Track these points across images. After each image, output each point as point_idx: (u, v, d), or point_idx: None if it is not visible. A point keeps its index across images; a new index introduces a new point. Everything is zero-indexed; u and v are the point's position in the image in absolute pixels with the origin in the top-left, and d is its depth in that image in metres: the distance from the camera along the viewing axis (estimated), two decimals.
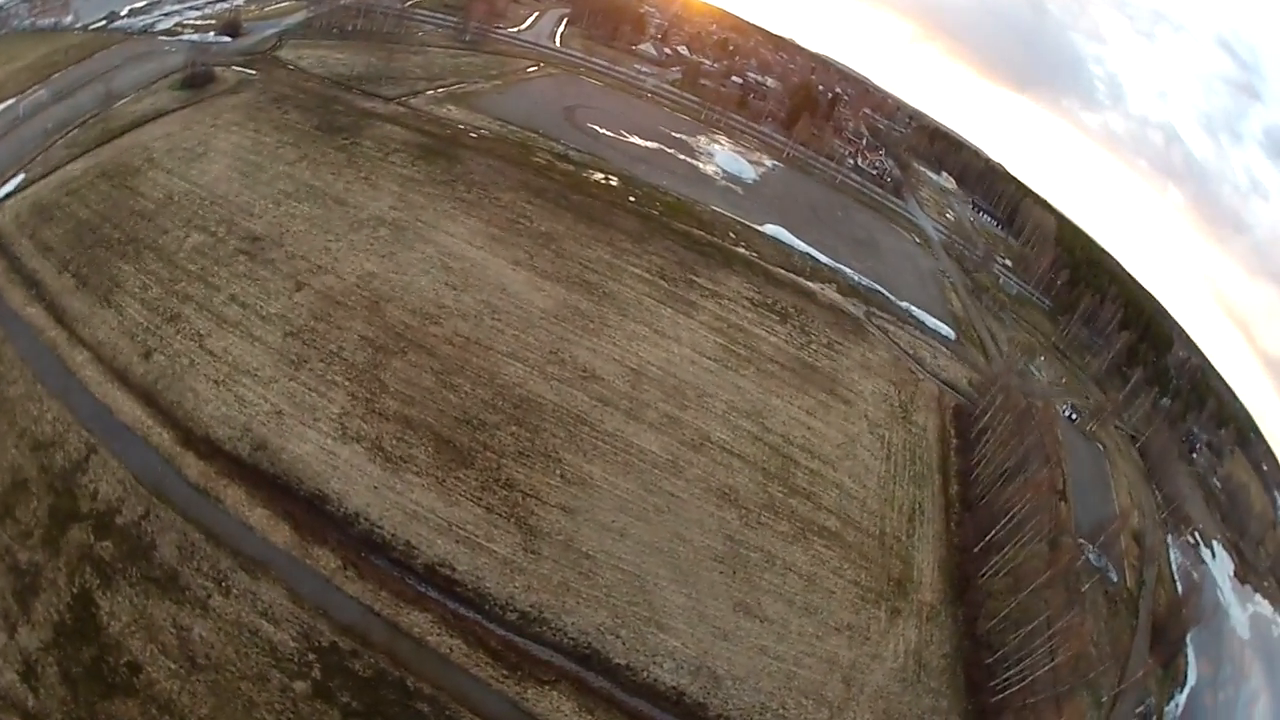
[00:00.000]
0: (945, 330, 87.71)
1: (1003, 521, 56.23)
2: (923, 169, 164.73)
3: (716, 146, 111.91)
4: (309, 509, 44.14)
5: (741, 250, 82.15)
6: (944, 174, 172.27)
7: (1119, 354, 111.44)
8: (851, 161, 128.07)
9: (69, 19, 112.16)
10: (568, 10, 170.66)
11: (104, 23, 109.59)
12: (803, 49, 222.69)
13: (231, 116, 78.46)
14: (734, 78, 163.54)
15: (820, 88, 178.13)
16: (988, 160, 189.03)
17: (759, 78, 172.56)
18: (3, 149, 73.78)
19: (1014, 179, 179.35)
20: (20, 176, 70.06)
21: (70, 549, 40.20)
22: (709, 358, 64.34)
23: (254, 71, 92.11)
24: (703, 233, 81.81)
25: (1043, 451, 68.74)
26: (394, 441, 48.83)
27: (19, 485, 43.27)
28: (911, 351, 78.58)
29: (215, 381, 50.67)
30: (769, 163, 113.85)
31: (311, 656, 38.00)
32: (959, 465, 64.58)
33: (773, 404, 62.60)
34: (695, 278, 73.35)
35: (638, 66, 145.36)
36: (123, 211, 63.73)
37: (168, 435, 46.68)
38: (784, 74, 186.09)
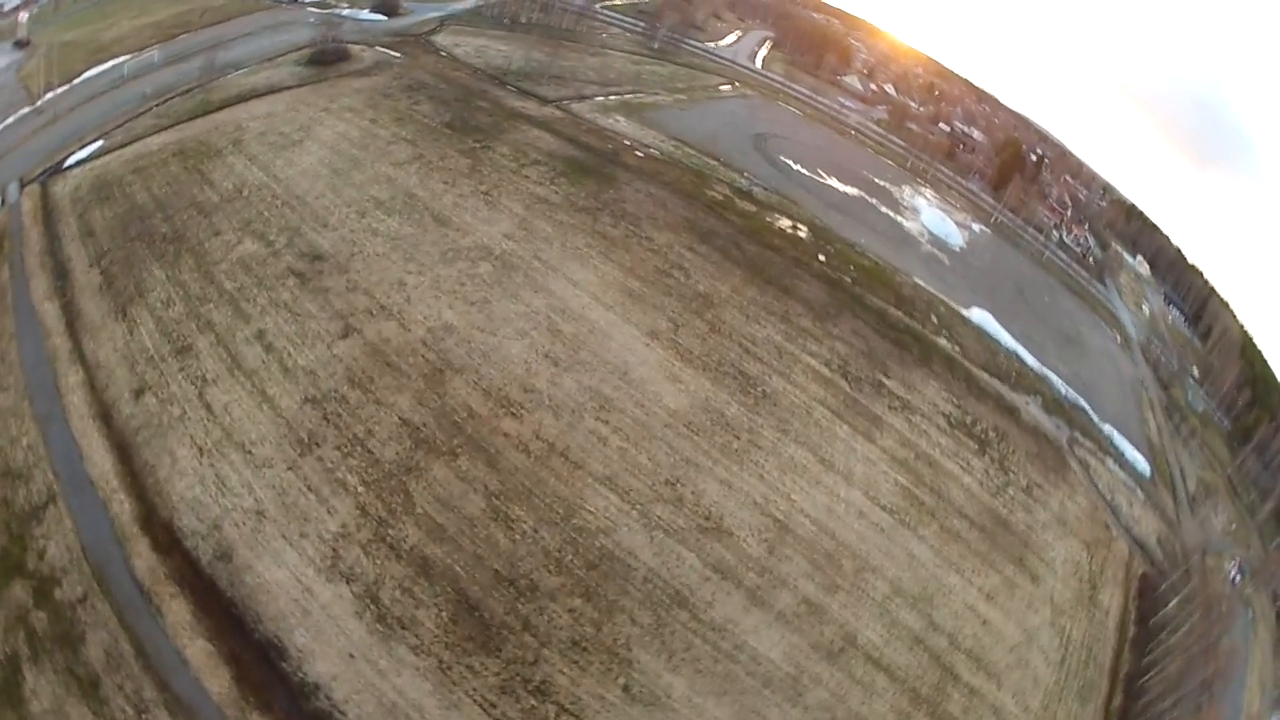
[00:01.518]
0: (1141, 464, 71.57)
1: None
2: (1120, 250, 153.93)
3: (922, 201, 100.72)
4: (260, 658, 34.87)
5: (943, 341, 64.89)
6: (1139, 258, 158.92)
7: None
8: (1057, 235, 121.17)
9: None
10: (772, 34, 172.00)
11: None
12: (1002, 104, 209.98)
13: (350, 101, 72.28)
14: (941, 124, 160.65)
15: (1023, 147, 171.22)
16: (1177, 246, 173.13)
17: (965, 128, 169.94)
18: (92, 111, 72.66)
19: (1199, 271, 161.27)
20: (98, 143, 67.76)
21: (10, 605, 36.16)
22: (884, 507, 46.81)
23: (397, 54, 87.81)
24: (900, 313, 65.15)
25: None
26: (397, 592, 35.29)
27: None
28: (1109, 495, 63.50)
29: (200, 449, 40.77)
30: (976, 226, 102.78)
31: None
32: (1130, 667, 51.56)
33: (949, 583, 45.63)
34: (885, 379, 55.88)
35: (841, 99, 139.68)
36: (182, 201, 58.47)
37: (129, 506, 39.33)
38: (988, 127, 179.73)
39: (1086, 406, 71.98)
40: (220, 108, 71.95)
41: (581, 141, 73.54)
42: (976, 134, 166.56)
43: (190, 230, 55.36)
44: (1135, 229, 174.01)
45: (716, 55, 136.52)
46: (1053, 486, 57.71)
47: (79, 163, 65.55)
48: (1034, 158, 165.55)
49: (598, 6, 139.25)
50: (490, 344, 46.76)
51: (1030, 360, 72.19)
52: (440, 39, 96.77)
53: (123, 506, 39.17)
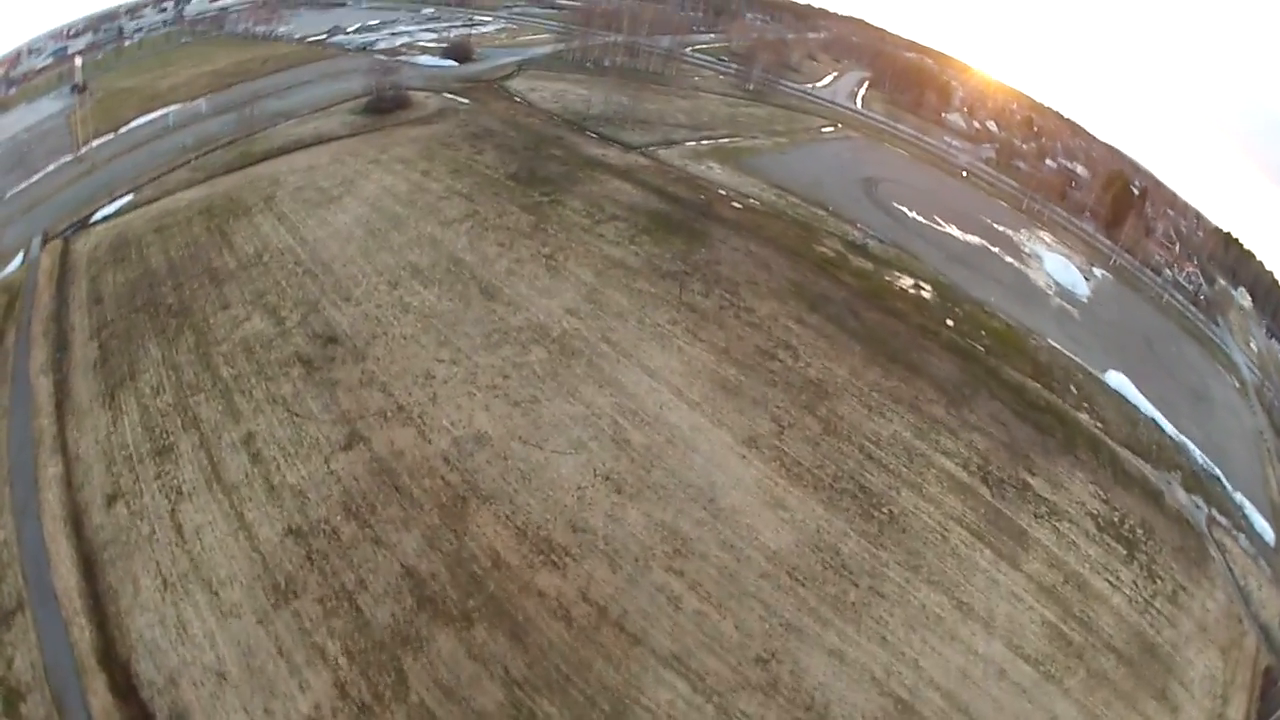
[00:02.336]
0: (1268, 533, 63.53)
1: None
2: (1226, 284, 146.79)
3: (1042, 247, 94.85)
4: None
5: (1084, 417, 55.11)
6: (1241, 289, 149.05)
7: None
8: (1169, 273, 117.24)
9: (287, 28, 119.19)
10: (868, 74, 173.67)
11: (323, 36, 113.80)
12: (1093, 136, 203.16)
13: (403, 151, 67.80)
14: (1048, 161, 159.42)
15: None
16: (1272, 274, 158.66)
17: (1069, 163, 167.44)
18: (130, 162, 70.57)
19: None
20: (127, 198, 64.95)
21: None
22: (1028, 657, 35.72)
23: (465, 100, 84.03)
24: (1039, 385, 55.63)
25: None
26: None
27: None
28: (1243, 581, 54.04)
29: (164, 580, 33.85)
30: (1097, 272, 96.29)
31: None
32: None
33: None
34: (1030, 475, 45.05)
35: (947, 139, 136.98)
36: (196, 266, 54.10)
37: (89, 635, 33.70)
38: (1087, 161, 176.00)
39: (1221, 475, 64.50)
40: (261, 160, 68.81)
41: (669, 192, 66.68)
42: (1080, 169, 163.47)
43: (198, 302, 50.32)
44: (1233, 258, 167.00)
45: (815, 96, 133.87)
46: (1196, 586, 47.29)
47: (105, 218, 62.74)
48: (1135, 191, 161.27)
49: (687, 50, 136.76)
50: (533, 461, 38.11)
51: (1168, 428, 64.76)
52: (515, 83, 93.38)
53: (83, 633, 33.44)
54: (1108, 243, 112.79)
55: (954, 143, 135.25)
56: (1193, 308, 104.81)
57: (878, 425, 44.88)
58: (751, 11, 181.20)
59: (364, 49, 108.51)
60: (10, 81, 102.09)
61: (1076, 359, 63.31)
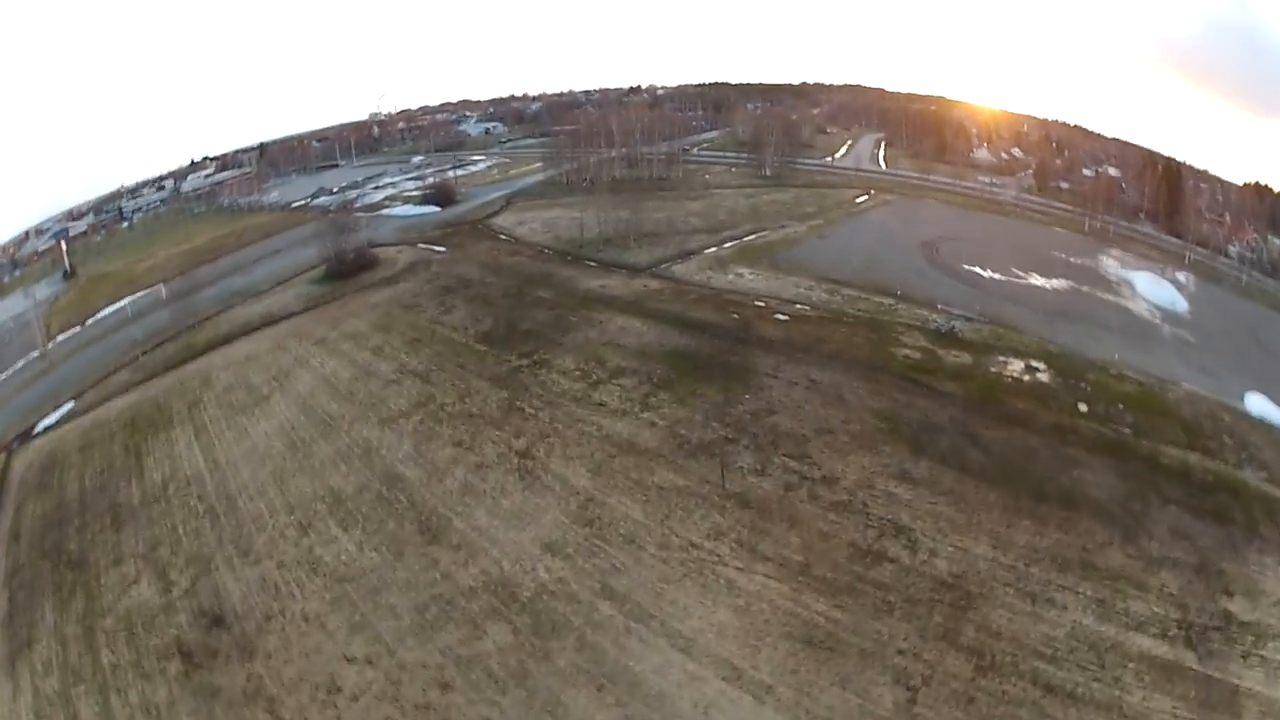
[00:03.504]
0: None
1: None
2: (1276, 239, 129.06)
3: (1125, 268, 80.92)
4: None
5: (1249, 477, 39.29)
6: None
7: None
8: (1234, 248, 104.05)
9: (273, 196, 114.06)
10: (882, 134, 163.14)
11: (305, 200, 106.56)
12: (1099, 134, 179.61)
13: (357, 324, 54.54)
14: (1084, 171, 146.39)
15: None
16: None
17: (1102, 169, 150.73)
18: (83, 359, 62.31)
19: None
20: (69, 405, 54.57)
21: None
22: None
23: (441, 249, 71.77)
24: (1199, 453, 40.23)
25: None
26: None
27: None
28: None
29: None
30: (1180, 276, 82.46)
31: None
32: None
33: None
34: (1229, 600, 29.08)
35: (981, 177, 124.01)
36: (103, 501, 41.80)
37: None
38: (1115, 160, 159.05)
39: None
40: (203, 352, 56.55)
41: (691, 319, 50.95)
42: (1112, 170, 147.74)
43: (95, 551, 37.50)
44: (1269, 206, 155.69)
45: (837, 167, 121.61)
46: None
47: (46, 429, 52.34)
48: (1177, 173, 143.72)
49: (692, 149, 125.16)
50: None
51: None
52: (501, 219, 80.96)
53: None
54: (1173, 239, 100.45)
55: (993, 181, 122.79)
56: (1261, 275, 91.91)
57: (1048, 624, 26.88)
58: (750, 101, 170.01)
59: (344, 208, 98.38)
60: (16, 264, 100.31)
61: (1214, 395, 49.18)
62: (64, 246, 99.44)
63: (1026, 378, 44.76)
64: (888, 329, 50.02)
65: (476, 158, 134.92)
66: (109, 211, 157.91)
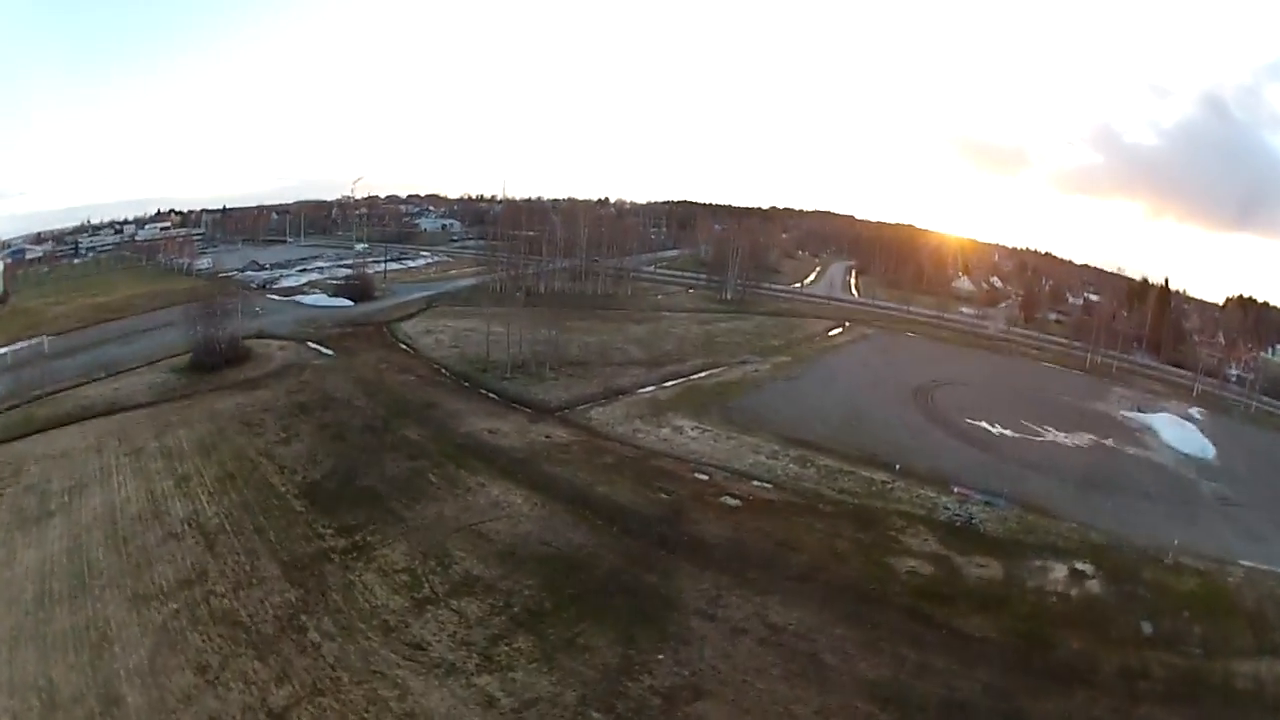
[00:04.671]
0: None
1: None
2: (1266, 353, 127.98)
3: (1140, 412, 71.68)
4: None
5: None
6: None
7: None
8: (1233, 370, 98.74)
9: (206, 262, 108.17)
10: (853, 262, 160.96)
11: (234, 272, 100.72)
12: (1067, 260, 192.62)
13: (186, 434, 42.42)
14: (1070, 299, 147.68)
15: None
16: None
17: (1085, 296, 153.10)
18: None
19: None
20: None
21: None
22: None
23: (329, 351, 59.53)
24: (1269, 661, 29.85)
25: None
26: None
27: None
28: None
29: None
30: (1195, 413, 74.49)
31: None
32: None
33: None
34: None
35: (964, 309, 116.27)
36: None
37: None
38: (1088, 285, 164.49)
39: None
40: (37, 430, 44.79)
41: (597, 498, 36.96)
42: (1094, 297, 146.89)
43: None
44: (1253, 319, 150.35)
45: (808, 294, 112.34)
46: None
47: None
48: (1165, 297, 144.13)
49: (649, 267, 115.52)
50: None
51: None
52: (410, 324, 69.41)
53: None
54: (1173, 368, 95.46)
55: (976, 311, 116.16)
56: (1268, 399, 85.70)
57: None
58: (717, 221, 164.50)
59: (261, 287, 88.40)
60: None
61: (1269, 566, 39.49)
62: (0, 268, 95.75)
63: (1074, 591, 33.13)
64: (882, 522, 37.10)
65: (423, 253, 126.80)
66: (67, 244, 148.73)
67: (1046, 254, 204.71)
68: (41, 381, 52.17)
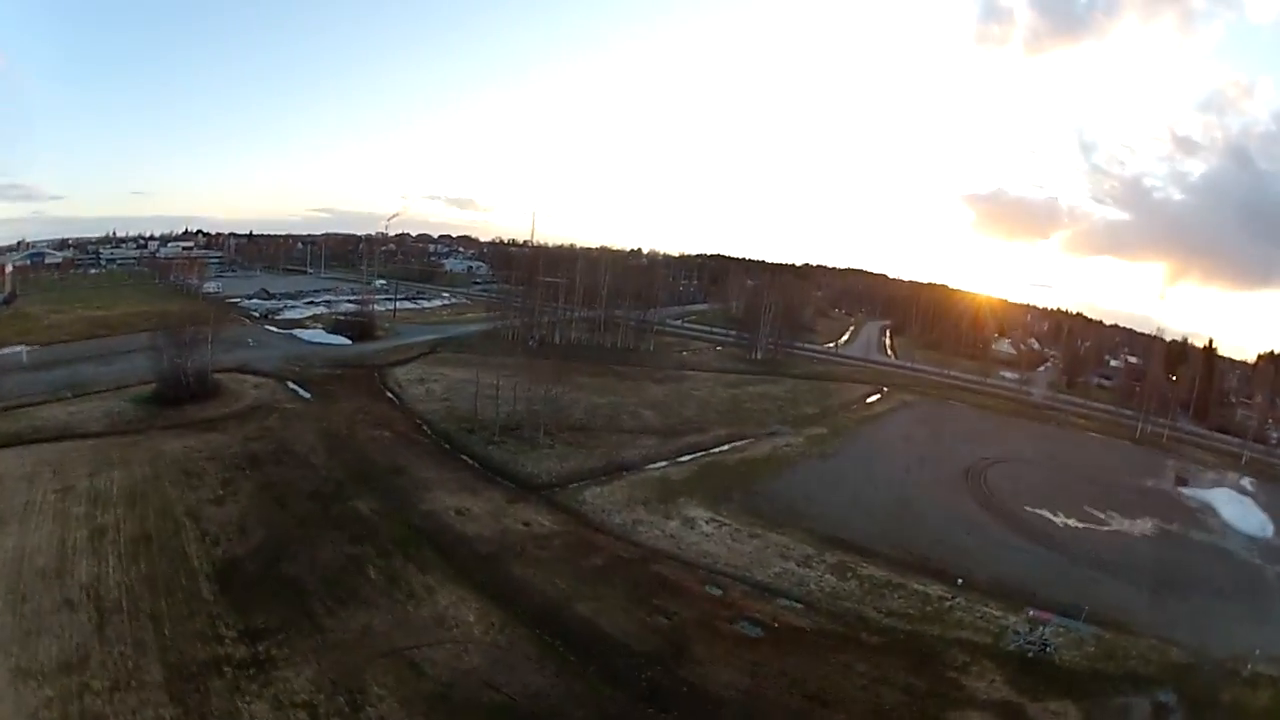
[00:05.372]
0: None
1: None
2: None
3: (1198, 488, 66.91)
4: None
5: None
6: None
7: None
8: (1275, 433, 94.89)
9: (215, 286, 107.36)
10: (887, 321, 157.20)
11: (240, 298, 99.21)
12: (1102, 323, 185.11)
13: (120, 476, 37.55)
14: (1111, 362, 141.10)
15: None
16: None
17: (1125, 359, 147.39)
18: None
19: None
20: None
21: None
22: None
23: (307, 394, 54.53)
24: None
25: None
26: None
27: None
28: None
29: None
30: (1247, 484, 69.90)
31: None
32: None
33: None
34: None
35: (1004, 373, 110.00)
36: None
37: None
38: (1124, 348, 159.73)
39: None
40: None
41: (575, 621, 29.30)
42: (1131, 358, 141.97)
43: None
44: None
45: (843, 356, 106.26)
46: None
47: None
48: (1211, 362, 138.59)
49: (677, 320, 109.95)
50: None
51: None
52: (405, 370, 64.04)
53: None
54: (1219, 434, 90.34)
55: (1018, 375, 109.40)
56: None
57: None
58: (750, 277, 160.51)
59: (263, 316, 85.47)
60: None
61: None
62: (8, 271, 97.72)
63: None
64: (940, 658, 29.54)
65: (443, 294, 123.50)
66: (89, 253, 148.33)
67: (1078, 314, 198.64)
68: (6, 395, 48.28)
